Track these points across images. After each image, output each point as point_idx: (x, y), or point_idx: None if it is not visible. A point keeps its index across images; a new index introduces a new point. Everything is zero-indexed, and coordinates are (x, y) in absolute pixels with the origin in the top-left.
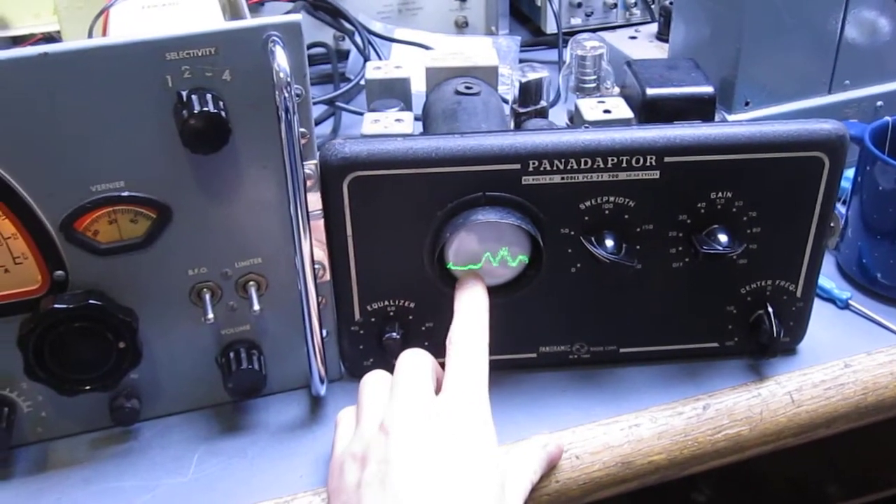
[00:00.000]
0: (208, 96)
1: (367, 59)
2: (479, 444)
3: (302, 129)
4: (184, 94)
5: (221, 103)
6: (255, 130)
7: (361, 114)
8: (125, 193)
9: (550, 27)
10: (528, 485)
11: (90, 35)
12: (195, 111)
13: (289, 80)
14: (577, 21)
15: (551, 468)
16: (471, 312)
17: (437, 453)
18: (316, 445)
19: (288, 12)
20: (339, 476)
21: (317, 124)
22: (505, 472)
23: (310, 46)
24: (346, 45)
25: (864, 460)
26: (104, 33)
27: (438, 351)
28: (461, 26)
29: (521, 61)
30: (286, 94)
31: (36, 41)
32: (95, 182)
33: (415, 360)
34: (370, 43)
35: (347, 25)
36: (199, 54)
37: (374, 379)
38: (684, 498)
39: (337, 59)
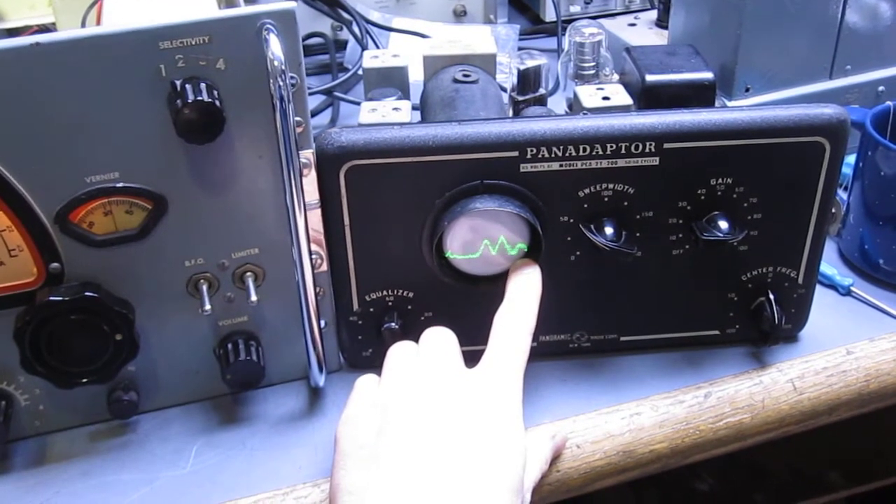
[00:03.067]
0: (202, 85)
1: (364, 48)
2: (509, 418)
3: (297, 118)
4: (178, 83)
5: (216, 92)
6: (250, 120)
7: (359, 103)
8: (120, 184)
9: (549, 15)
10: (538, 474)
11: (83, 25)
12: (189, 101)
13: (283, 68)
14: (576, 9)
15: (555, 458)
16: (522, 295)
17: (467, 414)
18: (315, 436)
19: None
20: (354, 425)
21: (315, 114)
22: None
23: (308, 36)
24: (344, 34)
25: (866, 448)
26: (98, 23)
27: None
28: (460, 15)
29: (520, 49)
30: (280, 83)
31: (31, 33)
32: (90, 173)
33: (443, 333)
34: (368, 32)
35: (345, 15)
36: (193, 43)
37: (402, 346)
38: (686, 486)
39: (335, 49)
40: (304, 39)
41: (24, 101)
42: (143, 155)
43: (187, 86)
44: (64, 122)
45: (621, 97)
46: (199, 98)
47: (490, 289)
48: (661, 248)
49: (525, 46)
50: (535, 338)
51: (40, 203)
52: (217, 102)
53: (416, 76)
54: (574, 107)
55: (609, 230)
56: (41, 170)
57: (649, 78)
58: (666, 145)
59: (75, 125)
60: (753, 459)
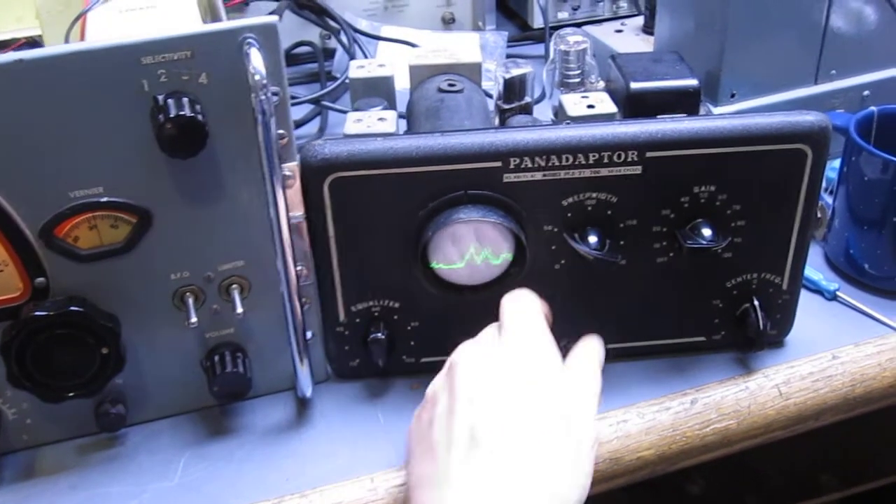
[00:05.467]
0: (185, 100)
1: (352, 57)
2: (589, 413)
3: (280, 131)
4: (160, 98)
5: (198, 107)
6: (233, 133)
7: (347, 112)
8: (104, 199)
9: (538, 22)
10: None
11: (67, 40)
12: (172, 115)
13: (265, 82)
14: (564, 15)
15: None
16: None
17: (553, 418)
18: (303, 447)
19: (272, 12)
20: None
21: (304, 124)
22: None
23: (296, 45)
24: (333, 43)
25: (859, 450)
26: (82, 38)
27: (425, 350)
28: (448, 22)
29: (508, 56)
30: (262, 97)
31: (19, 46)
32: (74, 188)
33: (527, 315)
34: (356, 41)
35: (333, 24)
36: (175, 58)
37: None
38: (678, 490)
39: (323, 58)
40: (292, 48)
41: (8, 116)
42: (126, 169)
43: (170, 100)
44: (47, 137)
45: (606, 105)
46: (182, 113)
47: (475, 298)
48: (645, 256)
49: (513, 53)
50: None
51: (25, 218)
52: (200, 117)
53: (402, 85)
54: (559, 115)
55: (593, 239)
56: (25, 185)
57: (634, 85)
58: (648, 154)
59: (59, 140)
60: (746, 462)
